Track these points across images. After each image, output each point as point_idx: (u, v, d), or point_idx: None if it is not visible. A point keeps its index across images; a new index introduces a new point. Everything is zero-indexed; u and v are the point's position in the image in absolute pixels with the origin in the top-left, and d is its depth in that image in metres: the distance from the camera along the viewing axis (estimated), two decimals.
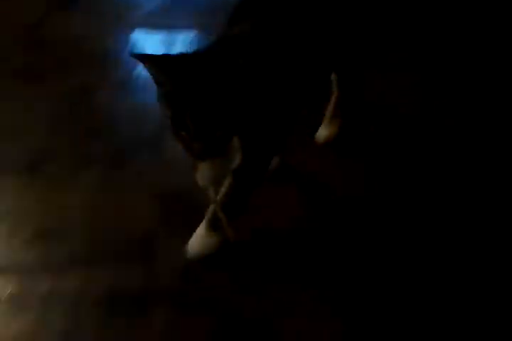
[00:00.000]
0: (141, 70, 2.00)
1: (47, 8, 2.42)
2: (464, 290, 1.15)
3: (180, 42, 2.24)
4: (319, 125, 1.53)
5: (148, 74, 1.01)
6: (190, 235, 1.24)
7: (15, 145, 1.54)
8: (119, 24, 2.36)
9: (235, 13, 1.22)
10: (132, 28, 2.32)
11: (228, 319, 1.10)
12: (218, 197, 1.21)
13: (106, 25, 2.34)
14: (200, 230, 1.23)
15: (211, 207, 1.20)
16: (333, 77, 1.48)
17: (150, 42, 2.25)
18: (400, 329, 1.08)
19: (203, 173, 1.21)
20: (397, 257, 1.22)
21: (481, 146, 1.52)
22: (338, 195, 1.38)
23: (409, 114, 1.64)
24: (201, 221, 1.24)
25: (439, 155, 1.50)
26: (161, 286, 1.16)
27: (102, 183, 1.43)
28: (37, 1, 2.45)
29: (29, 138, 1.58)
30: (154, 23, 2.39)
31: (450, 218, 1.31)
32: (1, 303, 1.10)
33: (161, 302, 1.13)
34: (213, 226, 1.22)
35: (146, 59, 1.02)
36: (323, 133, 1.58)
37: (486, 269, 1.20)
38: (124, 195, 1.39)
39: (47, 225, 1.29)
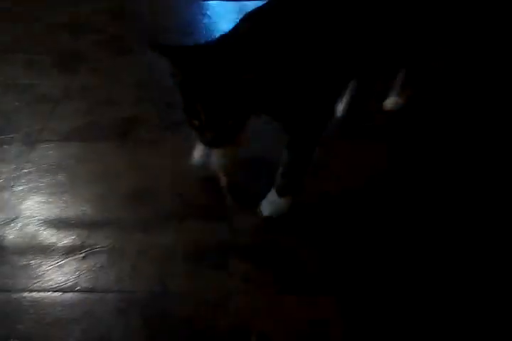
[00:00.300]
0: None
1: None
2: (464, 281, 1.17)
3: None
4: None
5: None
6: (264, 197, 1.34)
7: (107, 114, 1.66)
8: None
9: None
10: None
11: (293, 273, 1.18)
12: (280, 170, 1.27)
13: None
14: (271, 195, 1.31)
15: (278, 175, 1.28)
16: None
17: (225, 11, 2.32)
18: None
19: (215, 160, 1.26)
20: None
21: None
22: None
23: None
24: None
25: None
26: (238, 242, 1.25)
27: (184, 148, 1.53)
28: None
29: (119, 106, 1.69)
30: None
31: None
32: (101, 254, 1.23)
33: (238, 256, 1.22)
34: (281, 192, 1.29)
35: (159, 49, 1.03)
36: (391, 101, 1.62)
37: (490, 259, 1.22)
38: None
39: (139, 185, 1.40)
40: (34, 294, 1.14)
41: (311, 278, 1.18)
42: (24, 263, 1.21)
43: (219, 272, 1.19)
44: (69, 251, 1.23)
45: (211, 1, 2.37)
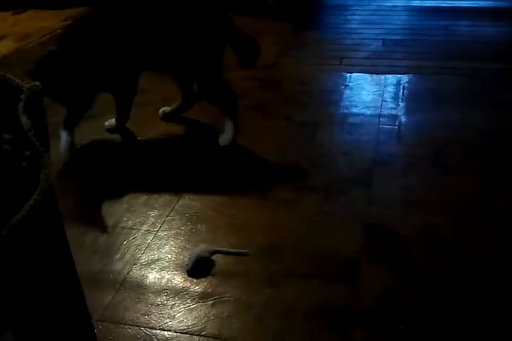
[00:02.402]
0: (358, 109, 2.17)
1: (279, 51, 2.75)
2: None
3: (394, 84, 2.37)
4: None
5: None
6: (397, 271, 1.36)
7: (249, 172, 1.80)
8: (348, 67, 2.58)
9: None
10: (350, 70, 2.52)
11: None
12: None
13: (333, 68, 2.58)
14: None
15: None
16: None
17: (365, 83, 2.41)
18: None
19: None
20: None
21: None
22: None
23: None
24: (403, 252, 1.39)
25: None
26: (362, 308, 1.25)
27: (316, 208, 1.59)
28: (270, 44, 2.81)
29: (260, 166, 1.82)
30: (379, 65, 2.56)
31: None
32: (228, 303, 1.28)
33: (361, 322, 1.22)
34: None
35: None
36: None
37: None
38: (333, 220, 1.54)
39: (273, 241, 1.47)
40: (165, 333, 1.22)
41: None
42: (159, 302, 1.30)
43: (338, 336, 1.19)
44: (200, 297, 1.31)
45: (354, 74, 2.48)
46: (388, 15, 3.25)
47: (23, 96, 0.69)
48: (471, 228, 1.50)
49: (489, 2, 3.38)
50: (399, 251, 1.43)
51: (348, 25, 3.12)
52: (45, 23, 3.29)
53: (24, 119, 0.66)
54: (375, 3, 3.46)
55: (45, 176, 0.64)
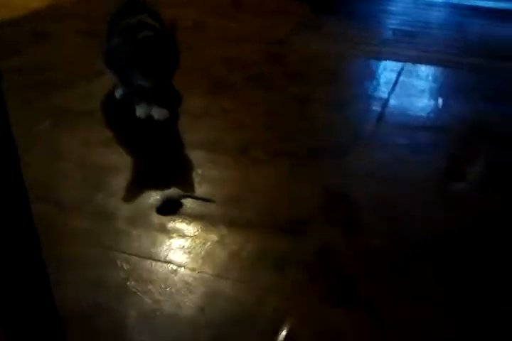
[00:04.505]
0: (351, 89, 2.29)
1: (291, 30, 2.89)
2: None
3: (391, 70, 2.48)
4: None
5: None
6: (343, 230, 1.51)
7: (234, 135, 1.96)
8: (353, 51, 2.70)
9: None
10: (363, 56, 2.64)
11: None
12: None
13: (340, 50, 2.70)
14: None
15: None
16: None
17: (377, 69, 2.53)
18: None
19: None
20: None
21: None
22: None
23: None
24: (355, 217, 1.54)
25: None
26: (301, 256, 1.40)
27: (287, 171, 1.76)
28: (284, 22, 2.95)
29: (245, 130, 1.98)
30: (383, 52, 2.68)
31: None
32: (186, 238, 1.44)
33: (297, 266, 1.37)
34: None
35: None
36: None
37: None
38: (299, 183, 1.70)
39: (237, 192, 1.64)
40: (125, 256, 1.40)
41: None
42: (127, 230, 1.48)
43: (274, 273, 1.35)
44: (163, 230, 1.48)
45: (358, 58, 2.60)
46: (408, 7, 3.34)
47: None
48: (426, 202, 1.63)
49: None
50: (351, 216, 1.56)
51: (364, 13, 3.23)
52: None
53: None
54: None
55: None
